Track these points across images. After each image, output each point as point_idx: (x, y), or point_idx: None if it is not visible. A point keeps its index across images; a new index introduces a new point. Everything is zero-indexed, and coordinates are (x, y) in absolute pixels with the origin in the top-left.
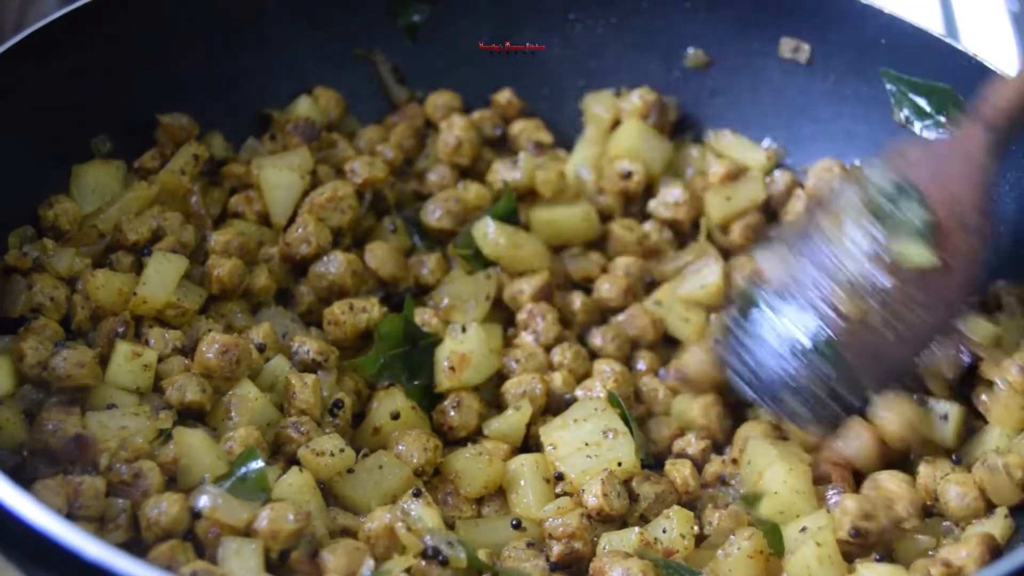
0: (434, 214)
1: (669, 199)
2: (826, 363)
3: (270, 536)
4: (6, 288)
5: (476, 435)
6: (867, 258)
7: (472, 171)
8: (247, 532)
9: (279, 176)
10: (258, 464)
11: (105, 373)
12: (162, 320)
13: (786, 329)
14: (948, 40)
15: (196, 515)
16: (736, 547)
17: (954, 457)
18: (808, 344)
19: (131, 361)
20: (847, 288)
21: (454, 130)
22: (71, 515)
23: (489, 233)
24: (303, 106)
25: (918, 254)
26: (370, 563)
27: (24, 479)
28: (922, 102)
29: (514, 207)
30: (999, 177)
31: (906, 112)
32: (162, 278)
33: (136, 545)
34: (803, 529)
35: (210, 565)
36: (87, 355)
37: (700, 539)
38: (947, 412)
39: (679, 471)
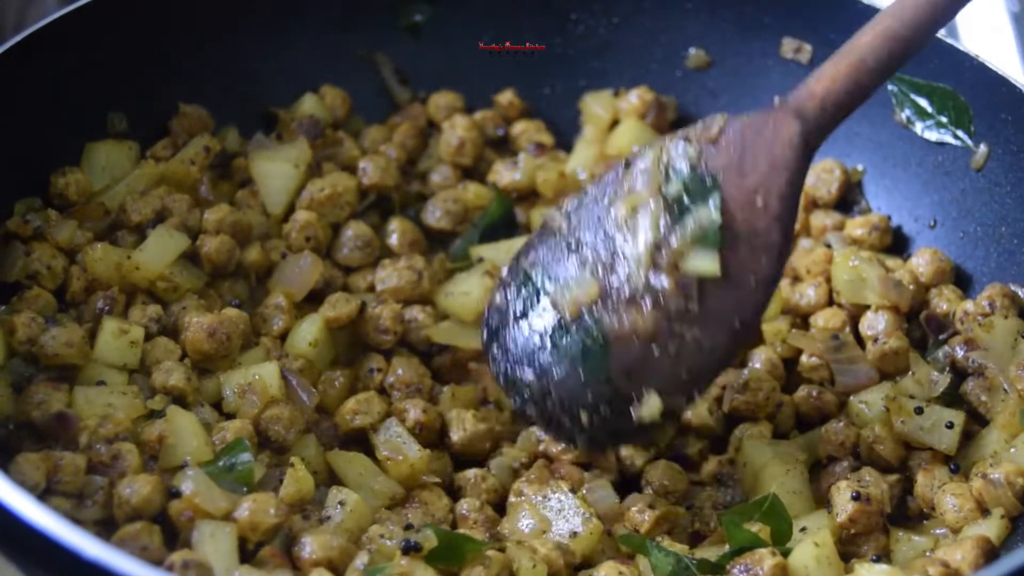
0: (434, 214)
1: None
2: (591, 369)
3: (249, 527)
4: (4, 253)
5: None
6: (651, 258)
7: (475, 171)
8: (224, 520)
9: (272, 167)
10: (247, 458)
11: (93, 350)
12: (154, 294)
13: (549, 327)
14: (949, 40)
15: (175, 494)
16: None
17: (952, 466)
18: (575, 345)
19: (118, 338)
20: (623, 288)
21: (457, 130)
22: (50, 490)
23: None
24: (308, 104)
25: (703, 262)
26: (364, 557)
27: (8, 452)
28: (923, 102)
29: (504, 212)
30: (999, 178)
31: (907, 112)
32: (160, 250)
33: (110, 523)
34: (802, 529)
35: (199, 556)
36: (76, 334)
37: (699, 537)
38: (953, 420)
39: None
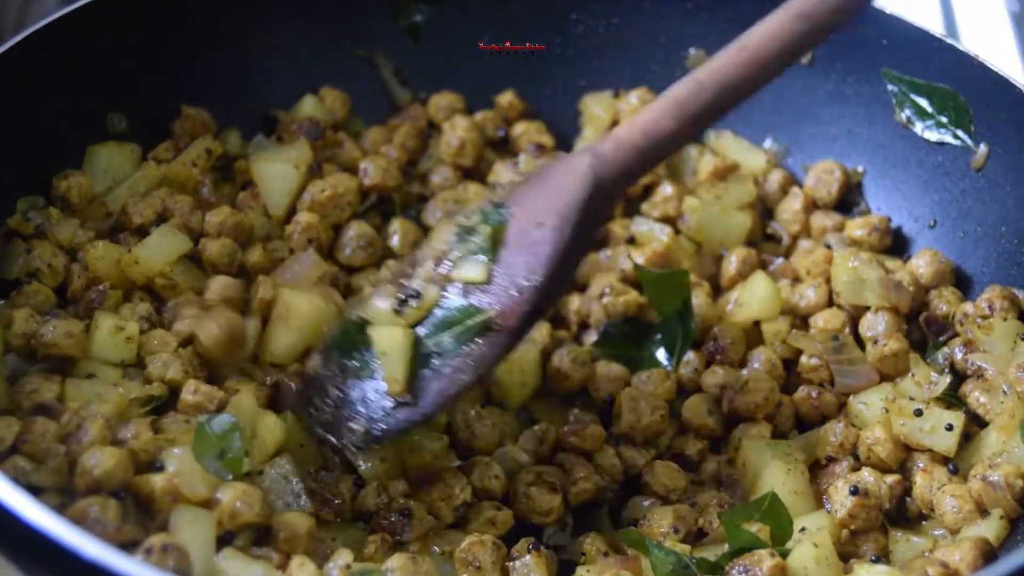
0: (435, 215)
1: (658, 197)
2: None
3: (228, 515)
4: (5, 251)
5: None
6: (433, 269)
7: (475, 172)
8: (203, 505)
9: (273, 168)
10: (238, 444)
11: (89, 347)
12: (153, 291)
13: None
14: (949, 41)
15: (158, 468)
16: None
17: (951, 467)
18: (347, 339)
19: (114, 335)
20: (402, 290)
21: (457, 131)
22: (15, 448)
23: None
24: (308, 106)
25: (470, 269)
26: (347, 555)
27: None
28: (923, 102)
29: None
30: (999, 178)
31: (908, 112)
32: (161, 247)
33: (64, 493)
34: (802, 529)
35: (177, 540)
36: (76, 326)
37: (699, 535)
38: (952, 422)
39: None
